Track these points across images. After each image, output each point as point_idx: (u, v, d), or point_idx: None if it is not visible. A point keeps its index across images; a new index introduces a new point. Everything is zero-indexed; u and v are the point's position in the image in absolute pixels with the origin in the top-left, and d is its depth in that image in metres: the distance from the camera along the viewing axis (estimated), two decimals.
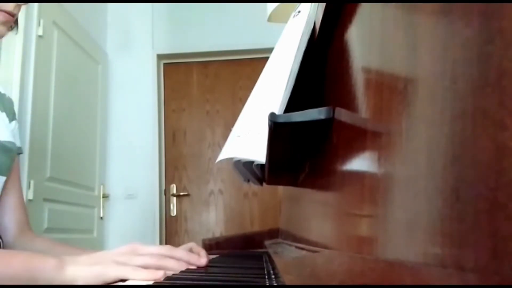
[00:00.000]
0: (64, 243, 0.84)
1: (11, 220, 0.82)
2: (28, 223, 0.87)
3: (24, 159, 2.03)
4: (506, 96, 0.11)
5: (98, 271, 0.52)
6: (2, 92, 0.86)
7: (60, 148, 2.34)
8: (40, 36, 2.21)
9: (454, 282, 0.13)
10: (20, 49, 2.08)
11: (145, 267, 0.53)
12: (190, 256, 0.59)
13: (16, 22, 0.79)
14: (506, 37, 0.11)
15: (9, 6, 0.72)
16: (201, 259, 0.60)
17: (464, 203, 0.13)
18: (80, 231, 2.56)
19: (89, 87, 2.79)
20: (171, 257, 0.57)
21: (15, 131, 0.85)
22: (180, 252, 0.59)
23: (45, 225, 2.18)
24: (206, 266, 0.60)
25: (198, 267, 0.59)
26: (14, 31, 0.80)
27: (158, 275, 0.50)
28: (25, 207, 0.88)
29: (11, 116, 0.85)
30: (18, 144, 0.86)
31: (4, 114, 0.82)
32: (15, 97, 2.01)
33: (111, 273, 0.51)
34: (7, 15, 0.72)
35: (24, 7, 0.79)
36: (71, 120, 2.50)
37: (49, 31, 2.30)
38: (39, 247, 0.79)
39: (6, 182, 0.81)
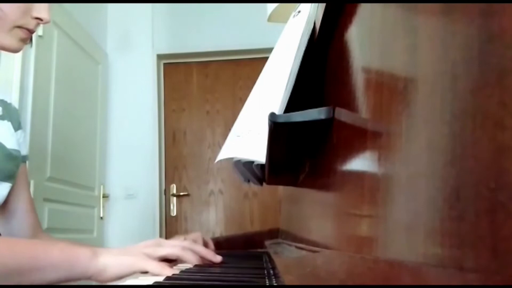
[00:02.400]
0: (79, 243, 0.86)
1: (24, 225, 0.84)
2: (40, 226, 0.89)
3: None
4: (506, 96, 0.11)
5: (127, 261, 0.57)
6: (8, 101, 0.88)
7: (60, 148, 2.34)
8: (40, 36, 2.21)
9: (454, 282, 0.13)
10: None
11: (169, 256, 0.60)
12: (208, 253, 0.65)
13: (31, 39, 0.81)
14: (506, 37, 0.11)
15: (31, 24, 0.74)
16: (217, 256, 0.65)
17: (464, 203, 0.13)
18: (80, 231, 2.56)
19: (89, 87, 2.79)
20: (191, 250, 0.63)
21: (21, 140, 0.87)
22: (199, 247, 0.65)
23: (45, 225, 2.18)
24: (203, 264, 0.64)
25: (196, 266, 0.61)
26: (29, 45, 0.82)
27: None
28: (35, 211, 0.89)
29: (17, 126, 0.86)
30: (24, 152, 0.87)
31: (9, 123, 0.84)
32: (15, 97, 2.01)
33: (139, 265, 0.56)
34: (28, 32, 0.74)
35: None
36: (71, 120, 2.50)
37: (49, 31, 2.30)
38: None
39: (13, 189, 0.82)
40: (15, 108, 0.90)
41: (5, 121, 0.83)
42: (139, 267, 0.56)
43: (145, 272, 0.56)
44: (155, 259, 0.58)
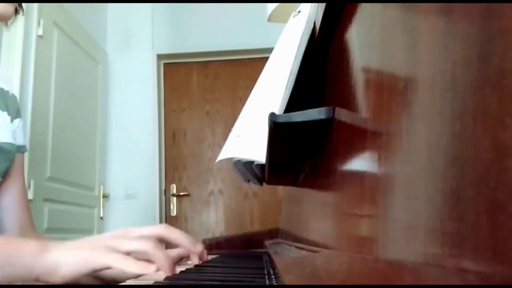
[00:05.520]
0: (30, 239, 0.81)
1: (12, 221, 0.79)
2: (31, 224, 0.84)
3: (24, 159, 2.03)
4: (506, 96, 0.11)
5: (84, 256, 0.47)
6: (6, 89, 0.83)
7: (60, 148, 2.35)
8: (40, 36, 2.21)
9: (454, 282, 0.13)
10: (20, 49, 2.08)
11: (136, 252, 0.49)
12: (186, 239, 0.53)
13: (20, 4, 0.76)
14: (506, 37, 0.11)
15: None
16: (197, 245, 0.53)
17: (464, 203, 0.13)
18: (80, 231, 2.56)
19: (89, 87, 2.79)
20: (166, 238, 0.52)
21: (18, 129, 0.83)
22: (176, 233, 0.53)
23: (45, 225, 2.18)
24: (203, 264, 0.55)
25: (196, 266, 0.58)
26: (20, 13, 0.77)
27: (149, 270, 0.45)
28: (29, 207, 0.84)
29: (14, 115, 0.82)
30: (21, 142, 0.83)
31: (5, 113, 0.80)
32: None
33: (98, 259, 0.46)
34: None
35: None
36: (71, 120, 2.50)
37: (49, 31, 2.30)
38: None
39: (3, 183, 0.78)
40: (13, 95, 0.85)
41: None
42: (99, 262, 0.46)
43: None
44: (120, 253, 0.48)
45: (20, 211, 0.81)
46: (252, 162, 0.53)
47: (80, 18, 2.69)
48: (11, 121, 0.82)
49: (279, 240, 1.06)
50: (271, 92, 0.52)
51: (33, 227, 0.85)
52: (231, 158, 0.56)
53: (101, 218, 2.83)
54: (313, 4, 0.50)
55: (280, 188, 1.71)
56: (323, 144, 0.41)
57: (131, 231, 0.51)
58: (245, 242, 1.29)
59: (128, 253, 0.48)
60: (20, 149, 0.84)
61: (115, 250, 0.48)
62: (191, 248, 0.53)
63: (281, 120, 0.39)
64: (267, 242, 1.19)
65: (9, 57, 2.08)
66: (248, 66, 3.10)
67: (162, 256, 0.49)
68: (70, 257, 0.47)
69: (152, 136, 3.01)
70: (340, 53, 0.37)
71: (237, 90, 3.13)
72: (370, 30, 0.28)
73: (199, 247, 0.54)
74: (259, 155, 0.50)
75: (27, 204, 0.84)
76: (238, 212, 3.02)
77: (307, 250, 0.46)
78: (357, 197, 0.27)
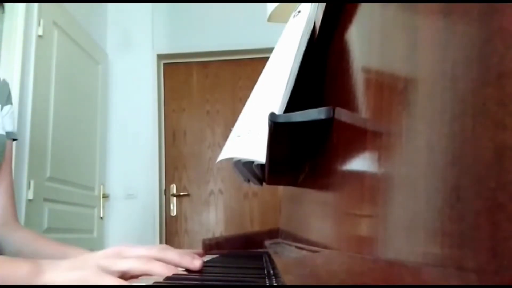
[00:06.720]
0: (46, 238, 0.80)
1: None
2: (14, 214, 0.83)
3: (24, 159, 2.03)
4: (506, 96, 0.11)
5: (77, 277, 0.47)
6: None
7: (60, 148, 2.34)
8: (40, 36, 2.21)
9: (454, 282, 0.13)
10: (20, 49, 2.08)
11: (130, 271, 0.49)
12: (183, 259, 0.52)
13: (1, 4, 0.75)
14: (506, 37, 0.11)
15: None
16: (195, 261, 0.52)
17: (464, 203, 0.13)
18: (80, 231, 2.56)
19: (89, 87, 2.79)
20: (161, 260, 0.51)
21: (8, 116, 0.81)
22: (171, 254, 0.52)
23: (45, 225, 2.18)
24: (201, 270, 0.54)
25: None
26: (0, 10, 0.76)
27: None
28: (13, 196, 0.83)
29: (4, 102, 0.81)
30: (10, 129, 0.82)
31: None
32: (15, 97, 2.01)
33: (91, 281, 0.46)
34: None
35: None
36: (71, 120, 2.50)
37: (49, 31, 2.30)
38: (20, 239, 0.76)
39: None
40: (4, 81, 0.83)
41: None
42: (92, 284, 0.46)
43: None
44: (113, 274, 0.47)
45: (6, 199, 0.80)
46: (252, 162, 0.53)
47: (80, 18, 2.69)
48: (1, 109, 0.80)
49: (279, 240, 1.06)
50: (271, 92, 0.52)
51: (16, 217, 0.84)
52: (231, 158, 0.56)
53: (101, 218, 2.83)
54: (313, 4, 0.50)
55: (280, 188, 1.71)
56: (323, 144, 0.41)
57: (125, 250, 0.51)
58: (245, 242, 1.29)
59: (121, 273, 0.48)
60: (9, 135, 0.82)
61: (107, 270, 0.47)
62: (189, 266, 0.52)
63: (281, 120, 0.39)
64: (267, 242, 1.19)
65: (9, 57, 2.08)
66: (248, 66, 3.10)
67: (157, 265, 0.49)
68: (64, 279, 0.47)
69: (152, 136, 3.01)
70: (340, 53, 0.37)
71: (237, 90, 3.13)
72: (370, 30, 0.28)
73: (197, 264, 0.52)
74: (259, 155, 0.50)
75: (12, 193, 0.83)
76: (238, 212, 3.02)
77: (307, 250, 0.46)
78: (357, 197, 0.27)
